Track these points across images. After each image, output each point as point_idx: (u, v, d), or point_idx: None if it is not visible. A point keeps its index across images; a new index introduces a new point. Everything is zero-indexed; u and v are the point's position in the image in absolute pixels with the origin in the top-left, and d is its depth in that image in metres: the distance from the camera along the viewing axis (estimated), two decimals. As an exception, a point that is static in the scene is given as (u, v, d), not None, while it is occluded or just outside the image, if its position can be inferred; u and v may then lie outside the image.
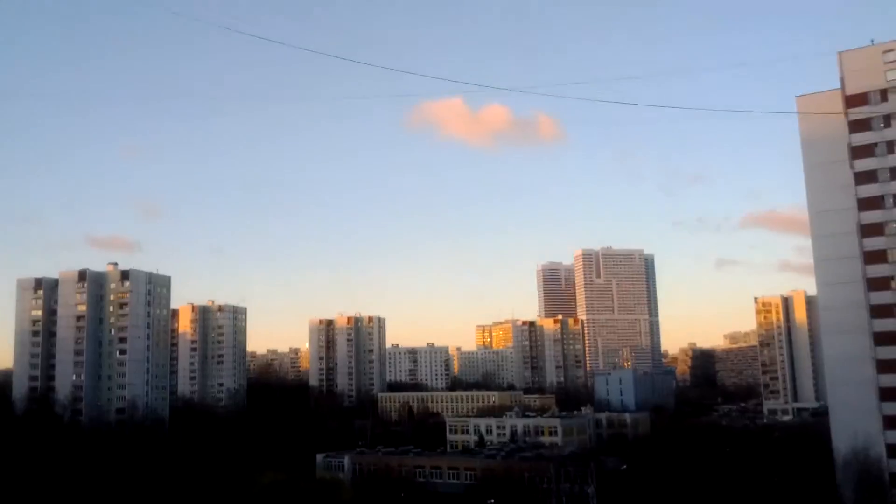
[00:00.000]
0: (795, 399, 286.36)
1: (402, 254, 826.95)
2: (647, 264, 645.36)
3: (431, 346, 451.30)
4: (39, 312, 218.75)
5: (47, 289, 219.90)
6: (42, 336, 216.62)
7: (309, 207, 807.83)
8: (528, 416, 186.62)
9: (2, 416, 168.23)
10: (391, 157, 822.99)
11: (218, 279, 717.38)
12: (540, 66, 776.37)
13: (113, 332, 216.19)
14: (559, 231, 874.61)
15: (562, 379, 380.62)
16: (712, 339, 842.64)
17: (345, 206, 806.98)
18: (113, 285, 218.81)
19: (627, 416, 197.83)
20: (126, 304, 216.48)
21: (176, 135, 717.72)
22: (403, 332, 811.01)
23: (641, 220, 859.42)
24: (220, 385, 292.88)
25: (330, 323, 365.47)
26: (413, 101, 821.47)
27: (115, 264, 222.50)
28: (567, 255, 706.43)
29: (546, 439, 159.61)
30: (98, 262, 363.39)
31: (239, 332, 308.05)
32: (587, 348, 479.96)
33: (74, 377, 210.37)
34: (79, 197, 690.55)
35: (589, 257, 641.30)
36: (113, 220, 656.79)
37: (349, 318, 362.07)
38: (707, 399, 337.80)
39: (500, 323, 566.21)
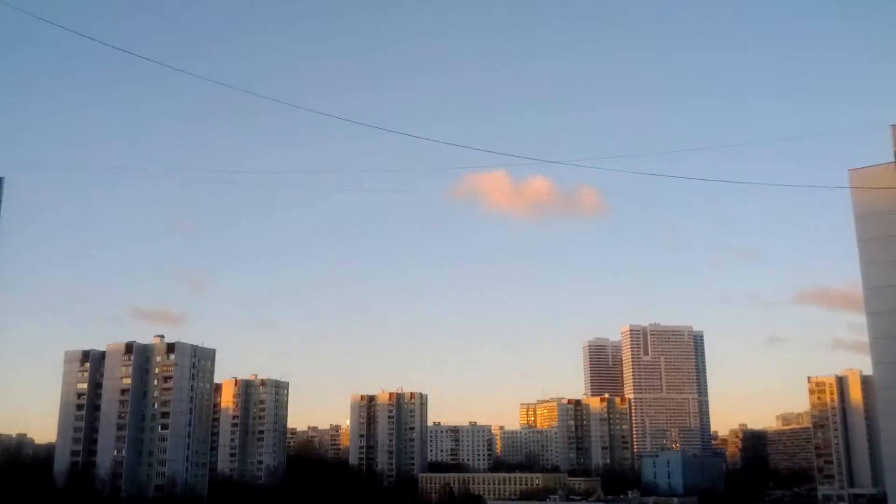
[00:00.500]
0: (851, 484, 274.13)
1: (445, 328, 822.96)
2: (696, 341, 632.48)
3: (474, 424, 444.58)
4: (85, 385, 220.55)
5: (94, 361, 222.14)
6: (86, 409, 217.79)
7: (353, 281, 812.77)
8: (572, 500, 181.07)
9: (43, 491, 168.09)
10: (435, 229, 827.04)
11: (260, 353, 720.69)
12: (582, 137, 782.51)
13: (156, 405, 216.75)
14: (605, 306, 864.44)
15: (608, 460, 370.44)
16: (764, 419, 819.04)
17: (389, 279, 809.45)
18: (158, 358, 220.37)
19: (676, 501, 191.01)
20: (171, 377, 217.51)
21: (223, 207, 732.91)
22: (446, 410, 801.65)
23: (689, 296, 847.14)
24: (260, 462, 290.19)
25: (372, 399, 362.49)
26: (457, 174, 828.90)
27: (162, 337, 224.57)
28: (614, 331, 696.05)
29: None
30: (143, 335, 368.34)
31: (280, 408, 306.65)
32: (634, 428, 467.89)
33: (116, 452, 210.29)
34: (124, 270, 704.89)
35: (637, 333, 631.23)
36: (158, 293, 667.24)
37: (391, 395, 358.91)
38: (758, 483, 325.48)
39: (545, 401, 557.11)
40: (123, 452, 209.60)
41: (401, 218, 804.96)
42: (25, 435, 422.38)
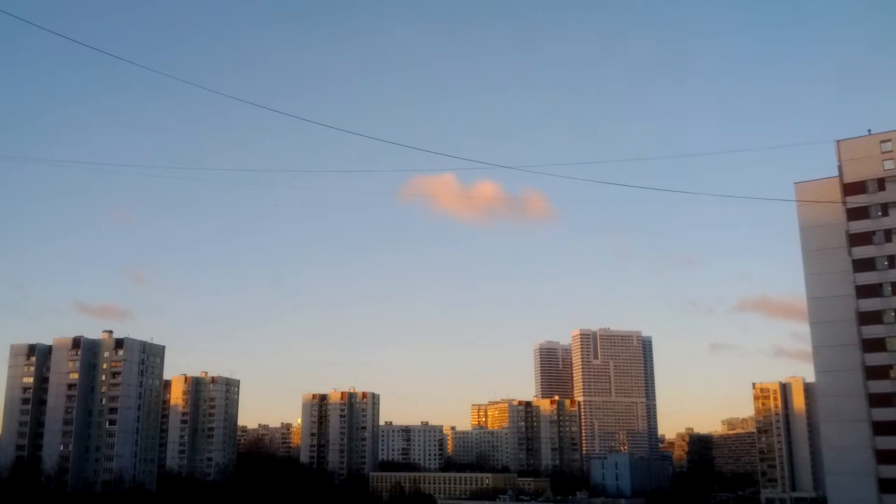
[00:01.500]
0: (794, 488, 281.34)
1: (397, 329, 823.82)
2: (645, 346, 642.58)
3: (426, 424, 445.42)
4: (31, 380, 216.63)
5: (40, 355, 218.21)
6: (32, 403, 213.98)
7: (302, 281, 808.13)
8: (521, 501, 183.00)
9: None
10: (385, 230, 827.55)
11: (209, 351, 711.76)
12: (530, 144, 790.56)
13: (104, 401, 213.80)
14: (555, 310, 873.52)
15: (557, 462, 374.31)
16: (709, 424, 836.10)
17: (340, 279, 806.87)
18: (107, 353, 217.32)
19: (623, 502, 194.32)
20: (119, 373, 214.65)
21: (166, 201, 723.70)
22: (398, 410, 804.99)
23: (634, 302, 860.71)
24: (210, 459, 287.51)
25: (323, 398, 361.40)
26: (406, 176, 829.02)
27: (110, 332, 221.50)
28: (564, 334, 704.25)
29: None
30: (88, 330, 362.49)
31: (231, 405, 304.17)
32: (583, 430, 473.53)
33: (62, 447, 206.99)
34: (67, 263, 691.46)
35: (587, 338, 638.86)
36: (102, 288, 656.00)
37: (343, 394, 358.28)
38: (704, 485, 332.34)
39: (496, 402, 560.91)
40: (70, 447, 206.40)
41: (351, 218, 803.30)
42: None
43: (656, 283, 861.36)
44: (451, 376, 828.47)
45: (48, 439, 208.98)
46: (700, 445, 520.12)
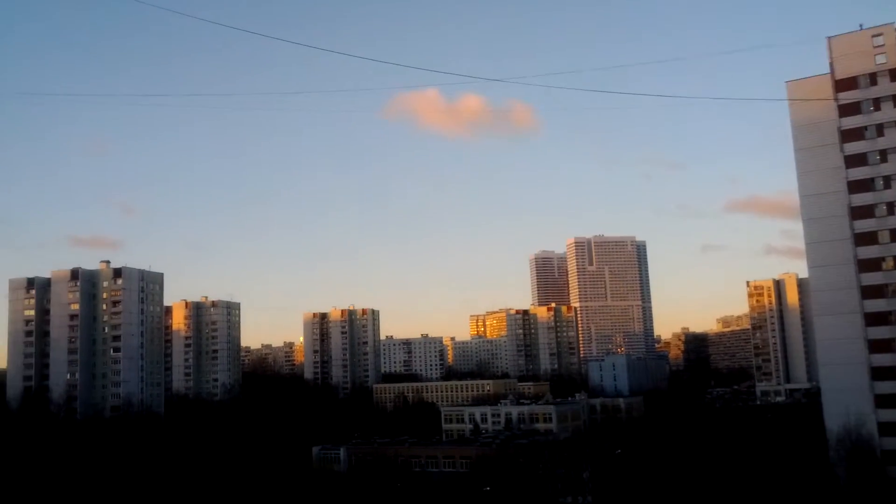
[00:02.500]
0: (788, 380, 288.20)
1: (393, 246, 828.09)
2: (639, 251, 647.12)
3: (426, 336, 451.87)
4: (32, 312, 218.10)
5: (39, 288, 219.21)
6: (35, 336, 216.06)
7: (295, 202, 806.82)
8: (522, 404, 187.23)
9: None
10: (373, 149, 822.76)
11: (206, 276, 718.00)
12: (513, 54, 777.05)
13: (107, 329, 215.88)
14: (547, 219, 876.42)
15: (556, 366, 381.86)
16: (705, 323, 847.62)
17: (333, 199, 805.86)
18: (105, 283, 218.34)
19: (622, 401, 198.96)
20: (119, 301, 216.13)
21: (150, 131, 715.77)
22: (398, 325, 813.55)
23: (624, 208, 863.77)
24: (216, 380, 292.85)
25: (324, 316, 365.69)
26: (388, 95, 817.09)
27: (108, 262, 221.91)
28: (559, 243, 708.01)
29: (541, 426, 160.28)
30: (83, 261, 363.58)
31: (233, 328, 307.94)
32: (581, 335, 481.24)
33: (69, 376, 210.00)
34: (55, 196, 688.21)
35: (581, 245, 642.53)
36: (92, 220, 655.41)
37: (343, 311, 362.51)
38: (700, 382, 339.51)
39: (494, 312, 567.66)
40: (77, 376, 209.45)
41: (339, 137, 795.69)
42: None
43: (645, 188, 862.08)
44: (449, 289, 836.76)
45: (54, 369, 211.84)
46: (696, 344, 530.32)
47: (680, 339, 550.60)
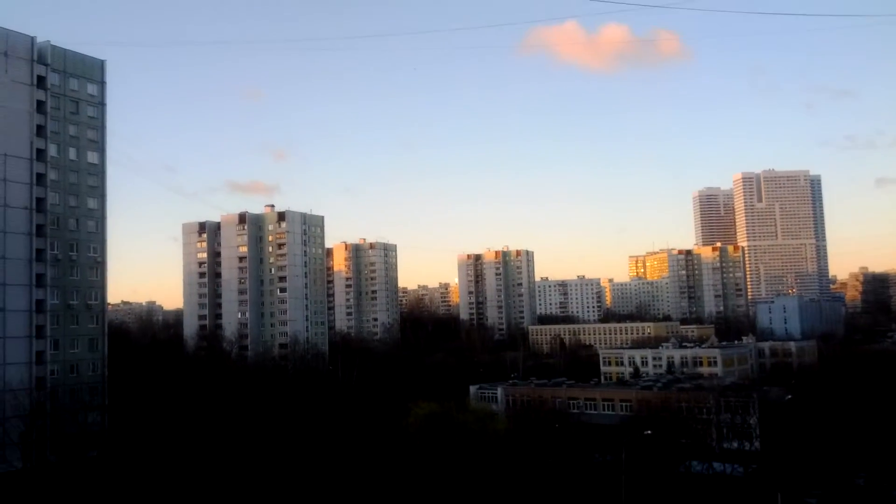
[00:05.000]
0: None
1: (548, 187, 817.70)
2: (813, 186, 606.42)
3: (582, 277, 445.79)
4: (204, 255, 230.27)
5: (210, 232, 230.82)
6: (208, 277, 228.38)
7: (448, 145, 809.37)
8: (685, 347, 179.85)
9: (175, 353, 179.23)
10: (516, 88, 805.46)
11: (361, 220, 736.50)
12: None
13: (273, 271, 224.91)
14: (708, 154, 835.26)
15: (721, 308, 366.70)
16: (886, 262, 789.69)
17: (484, 140, 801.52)
18: (271, 226, 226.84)
19: (793, 345, 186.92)
20: (284, 244, 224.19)
21: (300, 75, 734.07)
22: (553, 266, 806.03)
23: (786, 141, 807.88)
24: (375, 319, 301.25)
25: (478, 258, 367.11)
26: (521, 30, 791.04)
27: (272, 206, 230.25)
28: (724, 179, 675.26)
29: (705, 370, 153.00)
30: (242, 206, 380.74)
31: (390, 269, 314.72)
32: (748, 276, 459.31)
33: (239, 315, 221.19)
34: (210, 144, 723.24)
35: (749, 181, 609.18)
36: (248, 165, 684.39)
37: (497, 253, 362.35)
38: (880, 325, 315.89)
39: (655, 253, 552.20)
40: (247, 314, 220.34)
41: (479, 79, 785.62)
42: (154, 302, 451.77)
43: (808, 119, 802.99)
44: (606, 230, 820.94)
45: (226, 308, 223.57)
46: (875, 285, 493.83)
47: (858, 280, 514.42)
